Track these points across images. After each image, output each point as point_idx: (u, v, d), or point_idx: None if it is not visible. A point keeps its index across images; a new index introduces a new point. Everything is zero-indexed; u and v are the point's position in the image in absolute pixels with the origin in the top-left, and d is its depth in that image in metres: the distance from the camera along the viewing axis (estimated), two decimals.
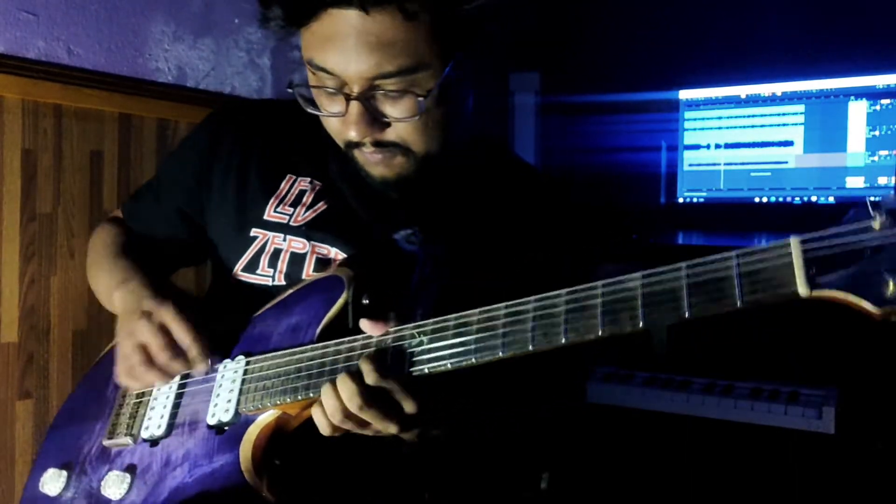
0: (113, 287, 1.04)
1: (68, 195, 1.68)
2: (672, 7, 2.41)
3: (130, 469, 0.96)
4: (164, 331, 0.93)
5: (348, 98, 0.87)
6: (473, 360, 0.79)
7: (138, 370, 0.94)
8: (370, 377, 0.80)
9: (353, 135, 0.89)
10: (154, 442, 0.97)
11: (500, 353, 0.78)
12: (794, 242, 0.67)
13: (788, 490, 1.73)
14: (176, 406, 0.98)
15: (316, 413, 0.85)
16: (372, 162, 0.93)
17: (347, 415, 0.81)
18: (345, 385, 0.81)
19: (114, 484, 0.95)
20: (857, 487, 1.66)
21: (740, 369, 1.85)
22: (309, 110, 0.94)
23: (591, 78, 2.46)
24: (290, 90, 0.94)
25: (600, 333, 0.73)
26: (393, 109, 0.89)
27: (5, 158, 1.57)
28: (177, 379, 0.99)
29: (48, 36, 1.64)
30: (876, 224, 0.64)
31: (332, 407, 0.82)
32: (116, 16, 1.76)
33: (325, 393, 0.82)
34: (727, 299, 0.68)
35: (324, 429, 0.85)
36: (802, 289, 0.65)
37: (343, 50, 0.85)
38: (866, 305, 0.63)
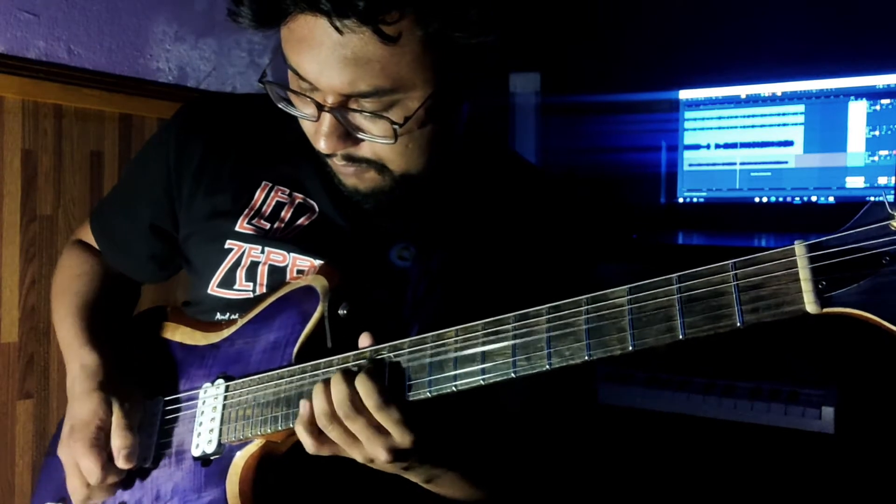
0: (67, 355, 0.99)
1: (68, 196, 1.68)
2: (672, 7, 2.41)
3: None
4: (99, 443, 0.89)
5: (321, 108, 0.80)
6: (454, 387, 0.73)
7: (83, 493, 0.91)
8: (370, 400, 0.74)
9: (322, 147, 0.82)
10: (143, 473, 0.93)
11: (482, 382, 0.71)
12: (800, 249, 0.58)
13: (788, 490, 1.73)
14: (161, 434, 0.93)
15: (298, 428, 0.78)
16: (343, 173, 0.87)
17: (335, 419, 0.75)
18: (338, 387, 0.75)
19: None
20: (856, 487, 1.66)
21: (740, 369, 1.85)
22: (281, 107, 0.85)
23: (591, 78, 2.46)
24: (260, 84, 0.85)
25: (587, 358, 0.66)
26: (370, 125, 0.80)
27: (5, 159, 1.57)
28: (161, 406, 0.95)
29: (49, 36, 1.63)
30: None
31: (321, 408, 0.76)
32: (117, 16, 1.76)
33: (316, 392, 0.76)
34: (726, 319, 0.60)
35: (308, 445, 0.78)
36: (811, 306, 0.57)
37: (316, 58, 0.76)
38: (888, 325, 0.55)
